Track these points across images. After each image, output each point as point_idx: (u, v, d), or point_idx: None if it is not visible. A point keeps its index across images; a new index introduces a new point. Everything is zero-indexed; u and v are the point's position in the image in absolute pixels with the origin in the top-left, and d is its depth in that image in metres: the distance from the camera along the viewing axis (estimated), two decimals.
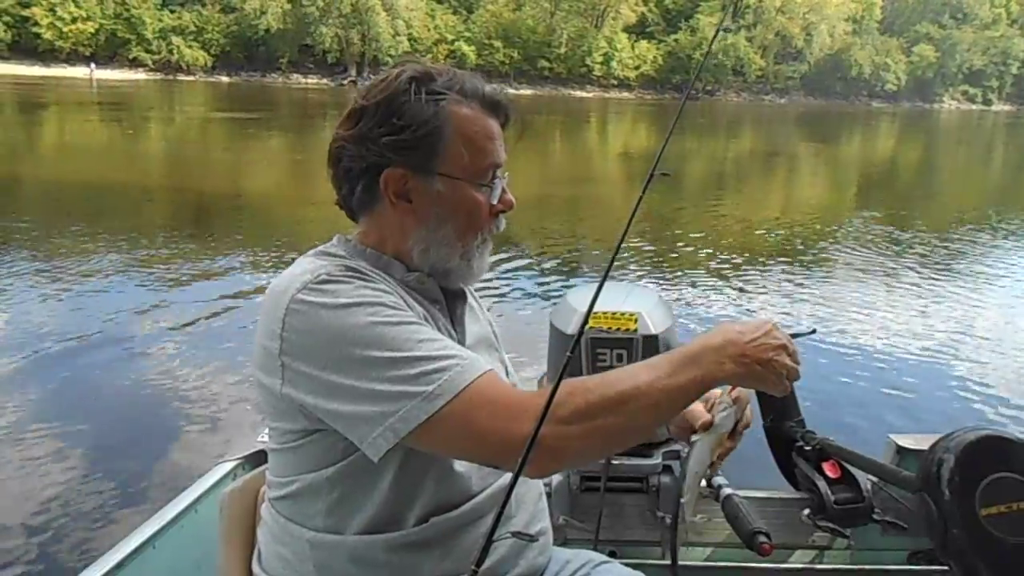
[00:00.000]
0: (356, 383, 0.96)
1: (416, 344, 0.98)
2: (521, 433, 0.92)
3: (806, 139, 30.80)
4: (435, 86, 1.09)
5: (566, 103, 50.55)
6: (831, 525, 1.69)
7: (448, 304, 1.18)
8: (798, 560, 1.92)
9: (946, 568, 1.35)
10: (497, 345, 1.33)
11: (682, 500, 1.17)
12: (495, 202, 1.14)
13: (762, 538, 1.46)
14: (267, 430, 1.15)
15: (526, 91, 59.96)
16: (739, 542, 1.51)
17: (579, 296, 1.87)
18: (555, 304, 1.94)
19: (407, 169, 1.09)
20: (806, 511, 1.74)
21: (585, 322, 0.98)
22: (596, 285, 1.11)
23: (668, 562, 1.61)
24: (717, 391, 1.22)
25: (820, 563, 1.92)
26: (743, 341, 1.02)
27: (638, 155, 21.58)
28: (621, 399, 0.95)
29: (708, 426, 1.21)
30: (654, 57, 66.75)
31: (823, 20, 70.65)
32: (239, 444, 1.73)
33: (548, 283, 7.35)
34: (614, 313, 1.69)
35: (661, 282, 7.32)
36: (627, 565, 1.30)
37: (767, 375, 1.03)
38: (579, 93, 62.03)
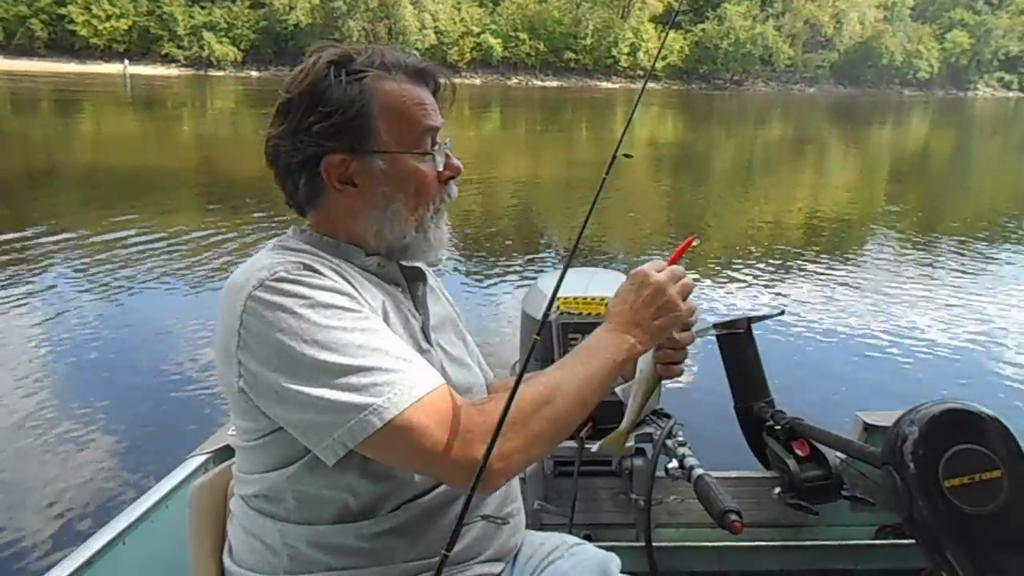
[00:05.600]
0: (304, 388, 0.94)
1: (369, 352, 0.95)
2: (465, 455, 0.94)
3: (828, 128, 30.42)
4: (355, 66, 1.08)
5: (592, 94, 50.29)
6: (801, 502, 1.78)
7: (409, 286, 1.18)
8: (769, 538, 1.94)
9: (913, 542, 1.44)
10: (462, 326, 1.31)
11: (627, 407, 1.17)
12: (440, 168, 1.13)
13: (733, 516, 1.49)
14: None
15: (552, 83, 59.60)
16: (711, 521, 1.55)
17: (548, 281, 1.88)
18: (526, 290, 1.97)
19: (345, 153, 1.07)
20: (776, 489, 1.85)
21: (549, 306, 0.98)
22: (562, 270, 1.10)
23: (642, 543, 1.67)
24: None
25: (791, 540, 1.95)
26: (627, 313, 1.05)
27: (663, 143, 21.57)
28: (546, 400, 0.98)
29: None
30: (681, 47, 66.02)
31: (853, 7, 69.29)
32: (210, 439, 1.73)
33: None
34: (584, 298, 1.71)
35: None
36: (602, 548, 1.28)
37: (669, 321, 1.06)
38: (605, 84, 61.53)
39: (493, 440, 0.91)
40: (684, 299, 1.07)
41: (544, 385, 0.99)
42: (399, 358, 0.97)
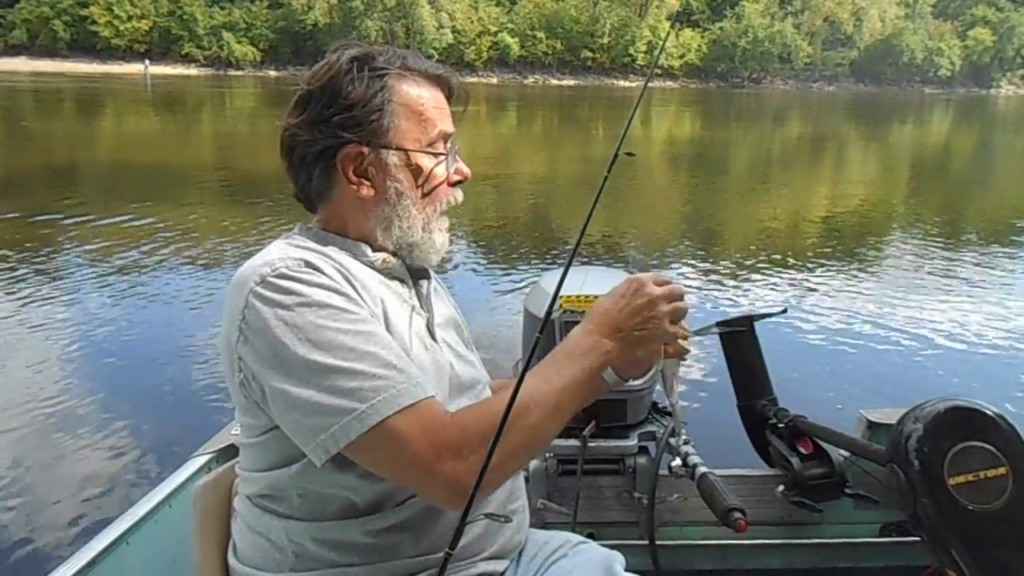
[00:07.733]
0: (293, 389, 0.95)
1: (360, 355, 0.95)
2: (441, 472, 0.93)
3: (846, 126, 30.12)
4: (377, 63, 1.10)
5: (610, 93, 50.14)
6: (804, 500, 1.77)
7: (414, 284, 1.19)
8: (773, 536, 1.92)
9: (918, 539, 1.43)
10: (464, 328, 1.32)
11: (670, 402, 1.20)
12: (451, 171, 1.17)
13: (737, 515, 1.47)
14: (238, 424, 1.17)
15: (569, 81, 59.52)
16: (715, 519, 1.52)
17: (551, 279, 1.85)
18: (529, 289, 1.95)
19: (362, 145, 1.09)
20: (780, 487, 1.83)
21: (552, 304, 0.97)
22: (564, 268, 1.08)
23: (646, 542, 1.68)
24: None
25: (794, 538, 1.92)
26: (613, 315, 1.02)
27: (679, 141, 21.51)
28: (519, 414, 0.94)
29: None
30: (698, 46, 65.75)
31: (873, 4, 68.65)
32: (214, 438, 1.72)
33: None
34: (587, 296, 1.69)
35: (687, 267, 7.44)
36: (605, 546, 1.27)
37: (650, 337, 1.03)
38: (622, 83, 61.31)
39: (488, 458, 0.89)
40: (674, 322, 1.04)
41: (518, 397, 0.95)
42: (390, 364, 0.97)
